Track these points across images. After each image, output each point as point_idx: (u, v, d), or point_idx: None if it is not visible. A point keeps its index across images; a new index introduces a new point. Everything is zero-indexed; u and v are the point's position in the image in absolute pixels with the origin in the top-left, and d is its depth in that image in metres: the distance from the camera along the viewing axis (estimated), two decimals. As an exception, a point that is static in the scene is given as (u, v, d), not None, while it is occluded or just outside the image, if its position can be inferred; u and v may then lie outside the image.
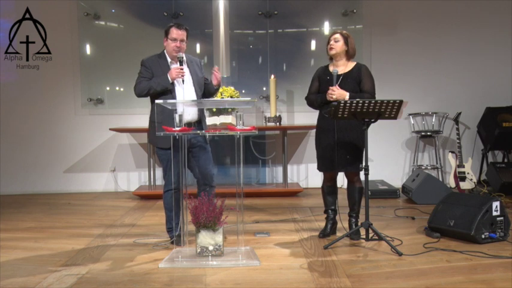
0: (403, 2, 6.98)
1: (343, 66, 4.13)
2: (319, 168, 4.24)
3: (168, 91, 3.95)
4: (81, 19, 6.96)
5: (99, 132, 6.97)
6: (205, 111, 4.30)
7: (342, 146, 4.07)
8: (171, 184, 3.96)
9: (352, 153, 4.08)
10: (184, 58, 4.01)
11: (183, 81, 3.95)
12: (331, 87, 4.03)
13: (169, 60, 4.05)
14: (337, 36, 4.10)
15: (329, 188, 4.25)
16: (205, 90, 4.19)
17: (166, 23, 6.89)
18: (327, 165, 4.16)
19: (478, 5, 6.93)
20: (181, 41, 3.97)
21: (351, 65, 4.16)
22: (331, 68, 4.17)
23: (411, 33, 6.98)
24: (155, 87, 3.94)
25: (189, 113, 3.95)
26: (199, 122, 4.08)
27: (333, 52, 4.12)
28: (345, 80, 4.08)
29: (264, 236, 4.31)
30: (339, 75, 4.07)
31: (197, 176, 4.09)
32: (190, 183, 4.09)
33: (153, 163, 6.69)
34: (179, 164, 3.82)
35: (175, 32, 3.96)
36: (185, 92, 3.98)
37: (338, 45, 4.10)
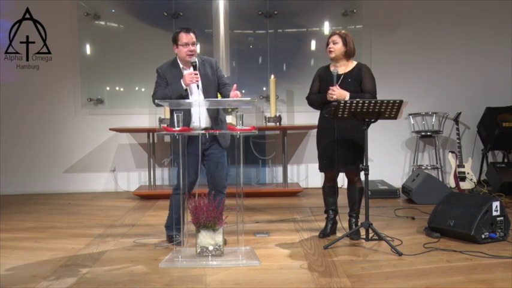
0: (403, 2, 6.97)
1: (343, 66, 4.13)
2: (320, 169, 4.24)
3: (182, 97, 3.89)
4: (81, 19, 6.96)
5: (99, 132, 6.96)
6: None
7: (342, 146, 4.08)
8: (179, 188, 3.95)
9: (353, 152, 4.08)
10: (197, 61, 3.94)
11: (197, 86, 3.91)
12: (331, 87, 4.03)
13: (181, 66, 4.01)
14: (335, 38, 4.09)
15: (330, 189, 4.24)
16: (223, 94, 4.08)
17: (167, 23, 6.97)
18: (328, 165, 4.16)
19: (478, 5, 6.93)
20: (193, 44, 3.92)
21: (352, 64, 4.16)
22: (332, 68, 4.17)
23: (411, 33, 6.98)
24: (170, 95, 3.90)
25: (197, 119, 3.89)
26: (210, 129, 3.96)
27: (332, 55, 4.11)
28: (346, 80, 4.08)
29: (264, 236, 4.31)
30: (339, 75, 4.07)
31: (208, 182, 4.07)
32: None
33: (153, 163, 6.69)
34: (187, 169, 3.81)
35: (185, 37, 3.90)
36: (200, 97, 3.91)
37: (337, 47, 4.09)
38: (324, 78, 4.16)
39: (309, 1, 7.02)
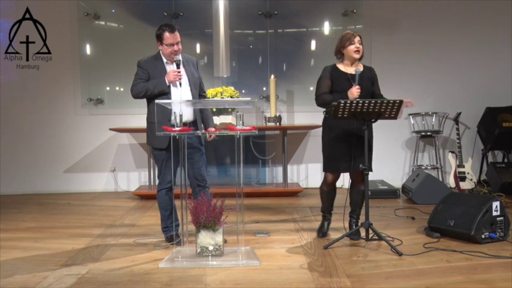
0: (403, 2, 6.97)
1: (357, 67, 4.13)
2: (327, 169, 4.16)
3: (164, 93, 3.95)
4: (81, 19, 6.96)
5: (99, 132, 6.96)
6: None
7: (359, 147, 4.01)
8: (166, 183, 4.00)
9: (368, 155, 3.98)
10: (181, 59, 4.00)
11: (180, 84, 3.95)
12: (356, 86, 3.97)
13: (165, 61, 4.04)
14: (360, 39, 4.10)
15: (330, 192, 4.25)
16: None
17: (168, 22, 6.94)
18: (338, 167, 4.10)
19: (478, 4, 6.93)
20: (177, 43, 3.95)
21: (361, 65, 4.18)
22: (341, 67, 4.13)
23: (411, 33, 6.98)
24: (152, 89, 3.94)
25: (185, 114, 3.93)
26: (194, 122, 4.07)
27: (358, 56, 4.08)
28: (362, 80, 4.07)
29: (264, 236, 4.31)
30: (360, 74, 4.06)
31: (190, 177, 4.08)
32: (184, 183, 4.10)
33: (153, 163, 6.68)
34: (175, 164, 3.84)
35: (170, 37, 3.91)
36: (182, 94, 3.98)
37: (361, 48, 4.10)
38: (339, 77, 4.10)
39: (309, 1, 7.02)
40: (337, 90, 4.06)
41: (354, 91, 3.95)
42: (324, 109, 4.09)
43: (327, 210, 4.30)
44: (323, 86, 4.13)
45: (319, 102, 4.14)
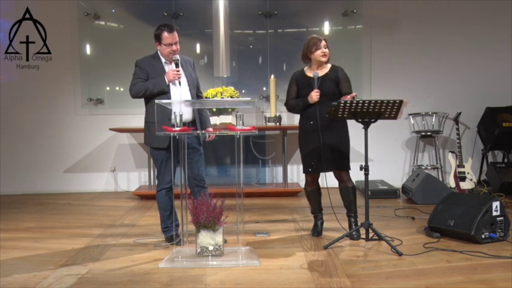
0: (403, 2, 6.97)
1: (320, 69, 4.17)
2: (307, 171, 4.23)
3: (164, 92, 3.96)
4: (81, 19, 6.96)
5: (99, 132, 6.96)
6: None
7: (328, 146, 4.10)
8: (165, 183, 4.00)
9: (340, 152, 4.10)
10: (179, 59, 4.01)
11: (179, 83, 3.96)
12: (315, 90, 4.05)
13: (163, 61, 4.05)
14: (325, 43, 4.15)
15: (314, 192, 4.28)
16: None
17: (166, 23, 6.94)
18: (314, 167, 4.17)
19: (478, 4, 6.93)
20: (176, 43, 3.96)
21: (327, 66, 4.21)
22: (308, 72, 4.20)
23: (411, 33, 6.98)
24: (152, 88, 3.95)
25: (184, 114, 3.94)
26: (193, 122, 4.07)
27: (325, 59, 4.15)
28: (324, 82, 4.12)
29: (264, 236, 4.31)
30: (318, 78, 4.11)
31: (189, 178, 4.08)
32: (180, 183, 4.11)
33: (153, 163, 6.68)
34: (174, 164, 3.84)
35: (168, 38, 3.92)
36: (181, 93, 3.99)
37: (328, 51, 4.15)
38: (303, 83, 4.19)
39: (309, 1, 7.02)
40: (302, 95, 4.16)
41: (313, 95, 4.05)
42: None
43: (317, 211, 4.34)
44: (290, 93, 4.29)
45: (288, 108, 4.34)
